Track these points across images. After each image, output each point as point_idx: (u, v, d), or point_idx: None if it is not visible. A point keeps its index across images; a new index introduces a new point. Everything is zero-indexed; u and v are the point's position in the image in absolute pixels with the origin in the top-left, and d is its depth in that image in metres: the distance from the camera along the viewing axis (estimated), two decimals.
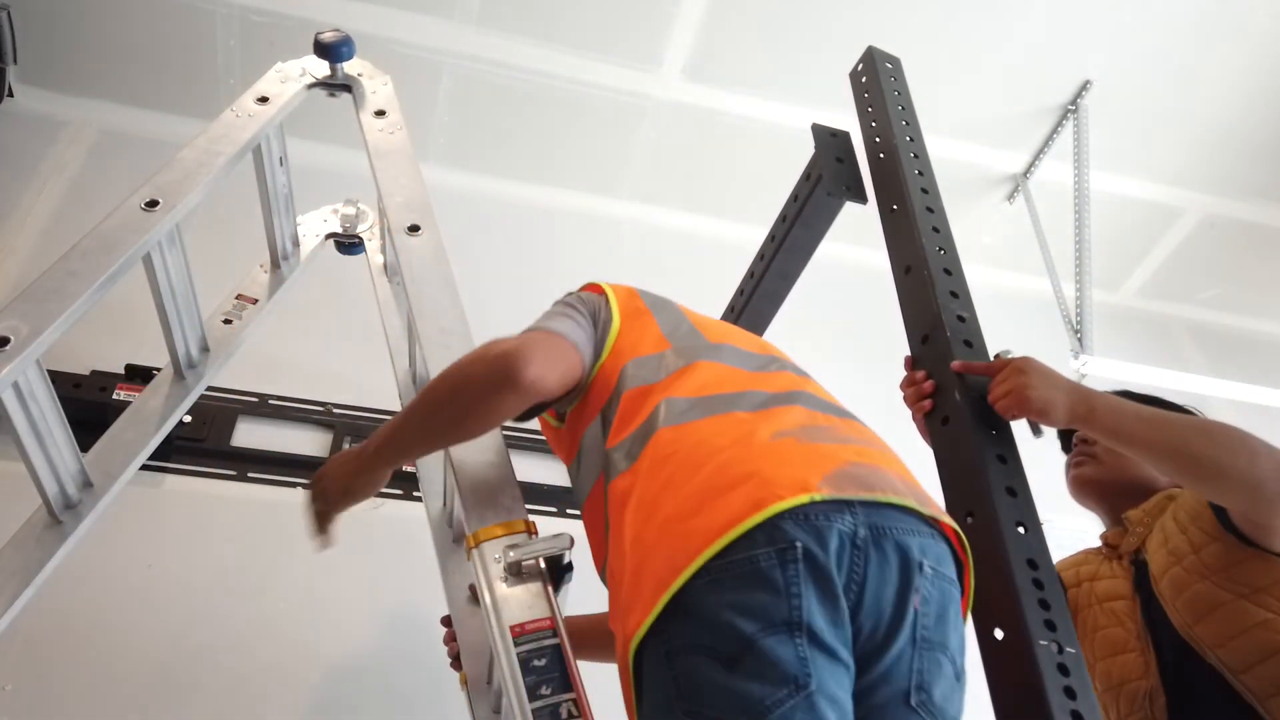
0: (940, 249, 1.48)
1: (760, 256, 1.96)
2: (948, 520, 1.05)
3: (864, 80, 1.85)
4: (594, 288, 1.37)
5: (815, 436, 1.06)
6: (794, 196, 1.86)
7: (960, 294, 1.42)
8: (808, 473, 0.98)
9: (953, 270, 1.45)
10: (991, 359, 1.33)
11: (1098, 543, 1.48)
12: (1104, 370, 2.86)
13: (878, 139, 1.72)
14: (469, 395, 1.13)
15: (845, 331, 2.96)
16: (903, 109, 1.77)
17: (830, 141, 1.76)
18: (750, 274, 1.99)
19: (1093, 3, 3.12)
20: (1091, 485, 1.46)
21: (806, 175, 1.81)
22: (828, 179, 1.70)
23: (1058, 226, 3.32)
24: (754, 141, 3.29)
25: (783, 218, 1.90)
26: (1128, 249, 3.82)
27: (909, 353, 1.43)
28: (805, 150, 1.79)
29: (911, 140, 1.70)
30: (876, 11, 3.01)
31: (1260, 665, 1.13)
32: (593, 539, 1.18)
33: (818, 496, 0.94)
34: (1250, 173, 3.61)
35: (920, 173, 1.62)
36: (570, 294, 1.38)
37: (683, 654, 0.91)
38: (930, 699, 0.94)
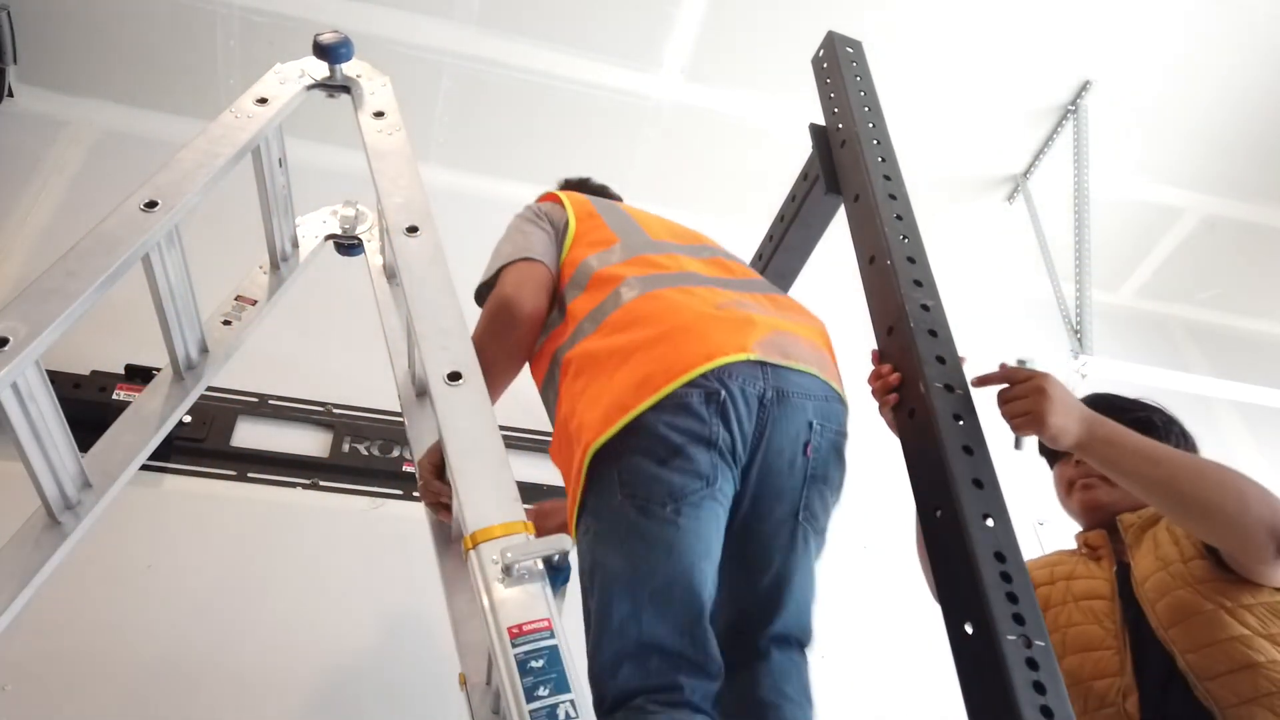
0: (903, 237, 1.45)
1: (758, 256, 1.96)
2: (840, 389, 1.37)
3: (825, 67, 1.82)
4: (551, 196, 1.67)
5: (748, 308, 1.37)
6: (791, 196, 1.87)
7: (924, 282, 1.39)
8: (743, 338, 1.29)
9: (916, 258, 1.42)
10: (961, 363, 1.32)
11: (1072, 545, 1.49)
12: (1104, 370, 2.86)
13: (839, 127, 1.70)
14: (495, 349, 1.41)
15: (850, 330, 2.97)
16: (864, 94, 1.72)
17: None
18: None
19: (1093, 3, 3.12)
20: (1102, 510, 1.45)
21: (804, 175, 1.81)
22: (825, 178, 1.70)
23: (1058, 226, 3.33)
24: (753, 141, 3.29)
25: (780, 217, 1.90)
26: (1128, 249, 3.83)
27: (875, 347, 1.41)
28: (803, 150, 1.79)
29: (873, 127, 1.66)
30: (876, 11, 3.01)
31: (1228, 675, 1.15)
32: (548, 395, 1.47)
33: (750, 357, 1.27)
34: (1250, 173, 3.61)
35: (882, 159, 1.59)
36: (529, 207, 1.65)
37: (627, 455, 1.23)
38: (812, 515, 1.31)
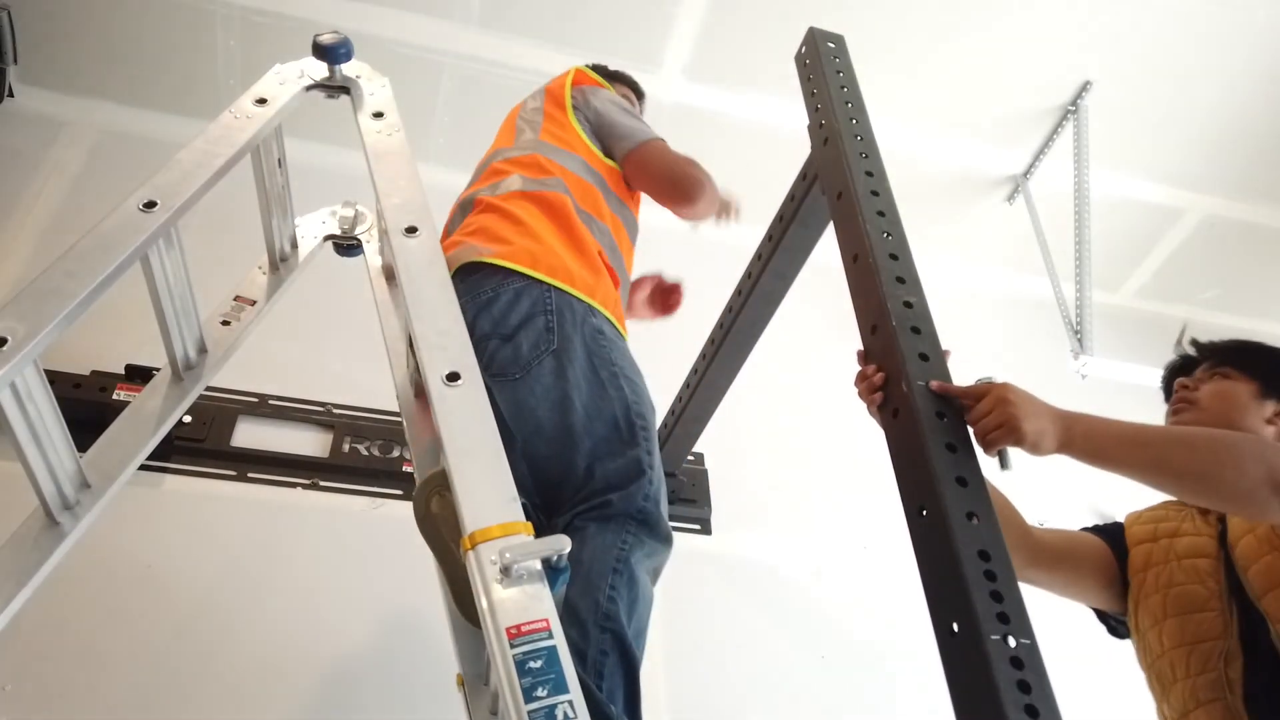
0: (886, 234, 1.43)
1: (758, 256, 1.96)
2: (477, 259, 1.48)
3: (808, 63, 1.80)
4: None
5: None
6: (790, 196, 1.86)
7: (907, 279, 1.36)
8: None
9: (899, 255, 1.40)
10: (945, 358, 1.28)
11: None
12: (1104, 371, 2.86)
13: (822, 123, 1.68)
14: None
15: (845, 331, 2.96)
16: (846, 89, 1.71)
17: None
18: (748, 274, 1.99)
19: (1093, 3, 3.12)
20: None
21: (803, 175, 1.81)
22: (824, 178, 1.69)
23: (1058, 226, 3.32)
24: (752, 141, 3.29)
25: (779, 217, 1.90)
26: (1128, 249, 3.82)
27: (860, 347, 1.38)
28: (803, 150, 1.79)
29: (855, 122, 1.64)
30: (875, 11, 3.01)
31: None
32: None
33: None
34: (1250, 173, 3.61)
35: (865, 155, 1.57)
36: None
37: None
38: (490, 367, 1.39)
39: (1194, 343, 1.54)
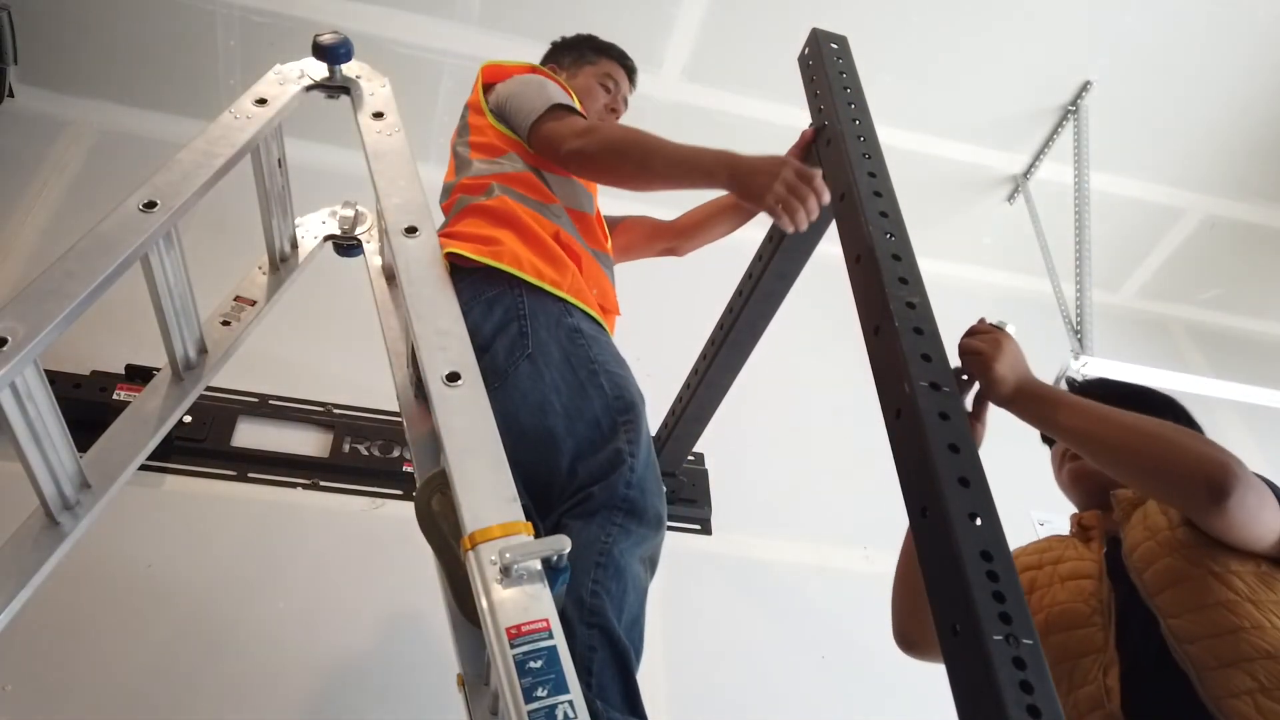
0: (889, 234, 1.42)
1: (758, 257, 1.96)
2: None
3: (810, 64, 1.80)
4: None
5: None
6: None
7: (910, 279, 1.36)
8: None
9: (902, 256, 1.39)
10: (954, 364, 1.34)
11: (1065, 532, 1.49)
12: (1104, 370, 2.86)
13: (825, 124, 1.68)
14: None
15: (845, 331, 2.96)
16: (848, 90, 1.70)
17: None
18: (748, 275, 1.99)
19: (1093, 3, 3.12)
20: (1090, 480, 1.45)
21: None
22: (827, 179, 1.69)
23: (1058, 227, 3.32)
24: (754, 141, 3.29)
25: None
26: (1128, 249, 3.83)
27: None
28: None
29: (858, 123, 1.63)
30: (875, 12, 3.01)
31: (1208, 640, 1.14)
32: None
33: None
34: (1250, 173, 3.61)
35: (867, 155, 1.56)
36: None
37: None
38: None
39: (1069, 381, 1.67)
